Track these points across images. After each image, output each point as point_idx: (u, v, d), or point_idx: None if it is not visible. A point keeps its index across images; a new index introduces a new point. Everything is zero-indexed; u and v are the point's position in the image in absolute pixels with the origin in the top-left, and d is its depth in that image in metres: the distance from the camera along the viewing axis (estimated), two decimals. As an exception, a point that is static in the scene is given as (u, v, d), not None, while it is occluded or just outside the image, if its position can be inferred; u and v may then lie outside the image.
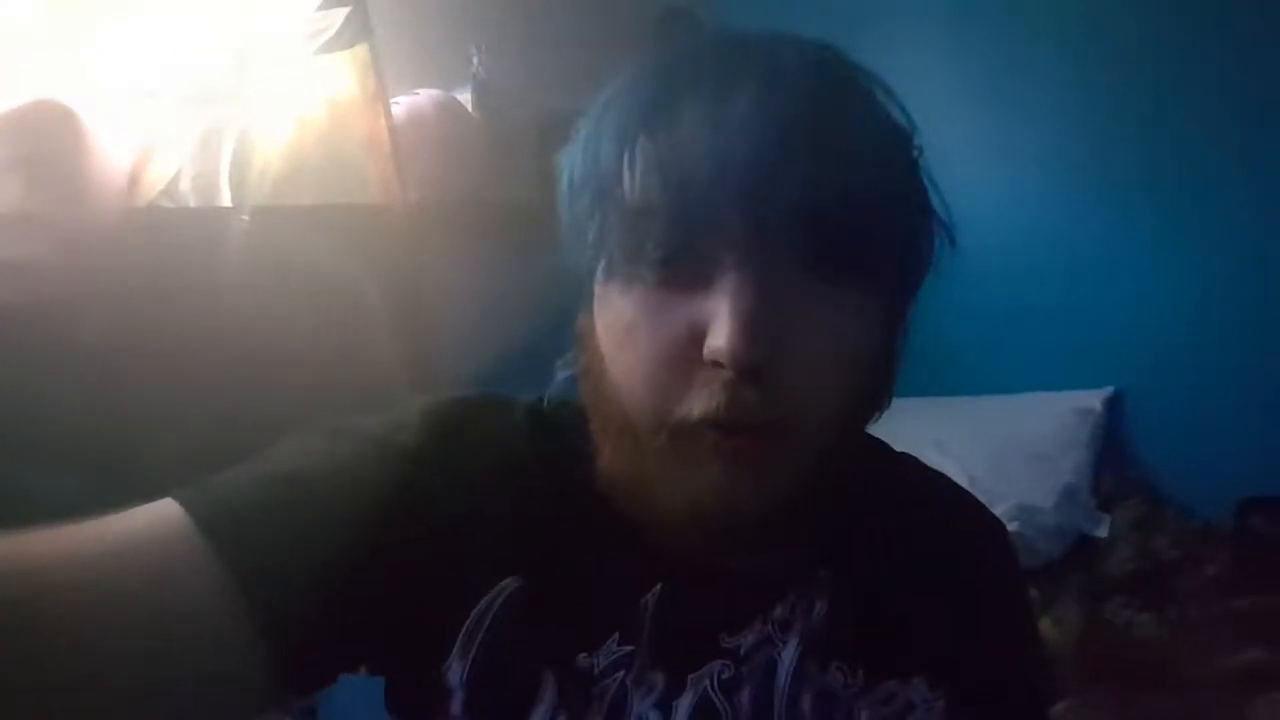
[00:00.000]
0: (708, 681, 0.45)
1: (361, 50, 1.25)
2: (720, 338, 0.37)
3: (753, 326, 0.37)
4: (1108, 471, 1.65)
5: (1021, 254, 1.69)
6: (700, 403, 0.39)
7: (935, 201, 0.44)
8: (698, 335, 0.39)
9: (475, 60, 1.44)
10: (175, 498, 0.40)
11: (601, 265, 0.42)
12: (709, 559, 0.46)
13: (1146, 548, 1.43)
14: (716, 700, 0.45)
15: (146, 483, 0.41)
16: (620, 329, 0.41)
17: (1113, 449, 1.69)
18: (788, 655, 0.47)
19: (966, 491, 0.57)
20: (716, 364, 0.38)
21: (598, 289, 0.43)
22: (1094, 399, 1.69)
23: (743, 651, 0.46)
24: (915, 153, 0.43)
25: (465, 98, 1.43)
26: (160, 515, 0.39)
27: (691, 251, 0.39)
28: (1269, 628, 1.11)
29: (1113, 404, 1.71)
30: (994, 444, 1.58)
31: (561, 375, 0.50)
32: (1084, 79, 1.66)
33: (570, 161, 0.44)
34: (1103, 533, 1.53)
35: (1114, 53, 1.63)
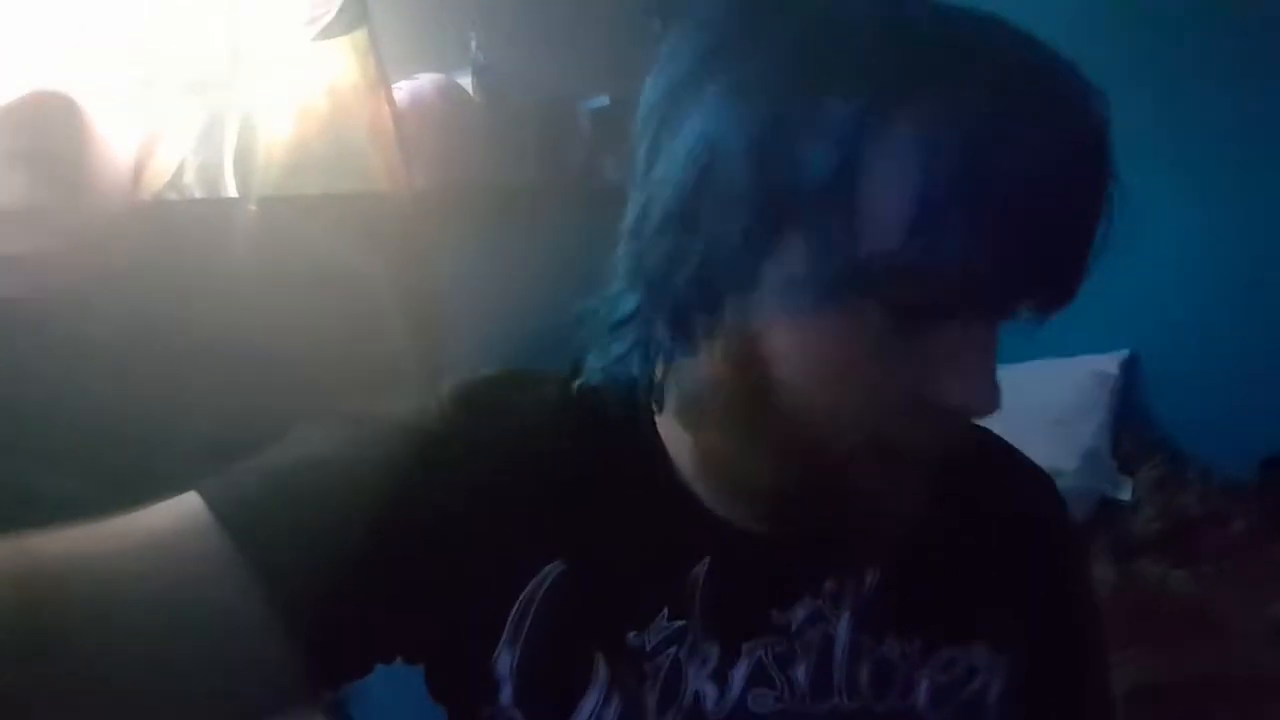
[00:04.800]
0: (762, 652, 0.44)
1: (360, 36, 1.23)
2: (971, 393, 0.36)
3: (994, 380, 0.37)
4: (1127, 434, 1.64)
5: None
6: (919, 438, 0.38)
7: None
8: (922, 375, 0.37)
9: (474, 44, 1.43)
10: (197, 491, 0.39)
11: (802, 285, 0.35)
12: (758, 530, 0.45)
13: (1171, 507, 1.42)
14: (773, 672, 0.44)
15: (160, 480, 0.39)
16: (834, 360, 0.37)
17: (1131, 411, 1.68)
18: (841, 629, 0.46)
19: (1014, 448, 0.56)
20: (952, 408, 0.37)
21: (777, 304, 0.37)
22: (1110, 363, 1.69)
23: (794, 627, 0.45)
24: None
25: (466, 82, 1.42)
26: (182, 511, 0.38)
27: (968, 299, 0.36)
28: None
29: (1129, 367, 1.70)
30: (1012, 412, 1.55)
31: (611, 352, 0.46)
32: (1094, 36, 1.65)
33: (759, 131, 0.35)
34: (1125, 495, 1.53)
35: (1127, 13, 1.62)
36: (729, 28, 0.37)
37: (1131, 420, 1.67)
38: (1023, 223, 0.34)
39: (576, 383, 0.47)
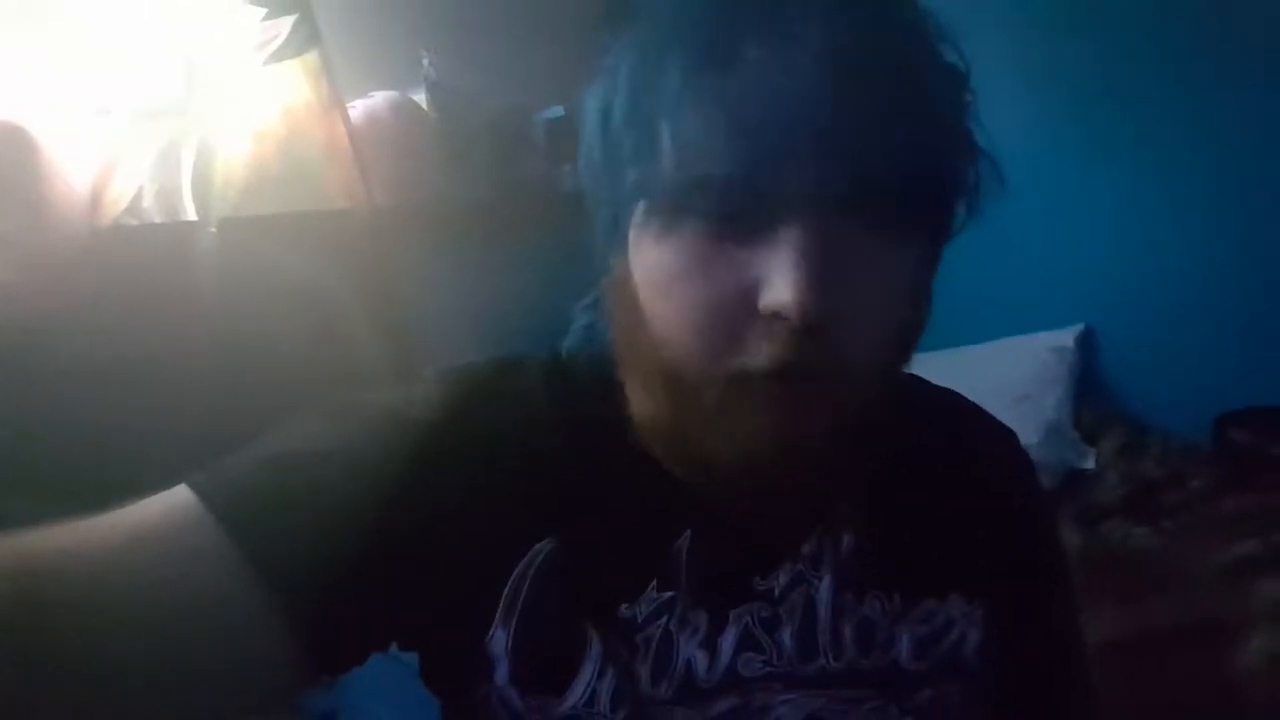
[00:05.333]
0: (748, 618, 0.46)
1: (311, 57, 1.24)
2: (785, 292, 0.36)
3: (819, 280, 0.36)
4: (1087, 405, 1.68)
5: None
6: (761, 356, 0.38)
7: (983, 144, 0.43)
8: (753, 286, 0.38)
9: (426, 62, 1.45)
10: (188, 483, 0.39)
11: (641, 212, 0.40)
12: (736, 502, 0.46)
13: (1133, 472, 1.46)
14: (760, 637, 0.46)
15: (130, 502, 0.40)
16: (666, 279, 0.40)
17: (1090, 383, 1.72)
18: (824, 591, 0.47)
19: (974, 404, 0.59)
20: (777, 316, 0.37)
21: (634, 235, 0.41)
22: (1066, 337, 1.73)
23: (777, 592, 0.46)
24: (969, 95, 0.42)
25: (420, 98, 1.44)
26: (174, 504, 0.39)
27: (755, 202, 0.37)
28: (1260, 521, 1.14)
29: (1085, 340, 1.74)
30: (976, 391, 1.59)
31: (580, 323, 0.50)
32: (1042, 12, 1.68)
33: (606, 97, 0.41)
34: (1089, 464, 1.56)
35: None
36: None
37: (1090, 392, 1.71)
38: (783, 131, 0.36)
39: (554, 364, 0.50)
